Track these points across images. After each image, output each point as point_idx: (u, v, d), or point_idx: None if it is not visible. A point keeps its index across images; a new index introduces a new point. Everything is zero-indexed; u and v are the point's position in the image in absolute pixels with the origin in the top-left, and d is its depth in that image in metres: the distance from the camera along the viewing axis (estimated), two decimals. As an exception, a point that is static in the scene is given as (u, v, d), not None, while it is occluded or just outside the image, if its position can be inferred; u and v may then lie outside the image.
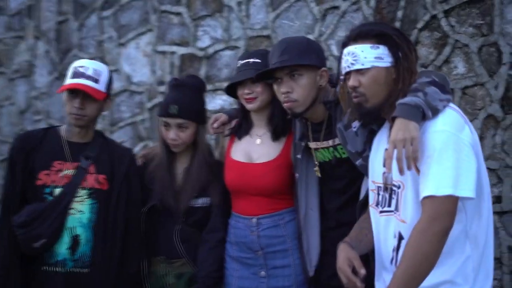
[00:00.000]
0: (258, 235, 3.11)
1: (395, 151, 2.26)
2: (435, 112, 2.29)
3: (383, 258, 2.51)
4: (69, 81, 3.12)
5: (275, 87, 2.90)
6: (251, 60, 3.07)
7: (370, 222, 2.57)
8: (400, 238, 2.38)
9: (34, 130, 3.43)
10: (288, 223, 3.12)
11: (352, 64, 2.42)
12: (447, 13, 3.75)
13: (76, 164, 3.11)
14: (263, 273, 3.12)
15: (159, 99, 5.32)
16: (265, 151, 3.15)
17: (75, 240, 3.06)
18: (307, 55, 2.84)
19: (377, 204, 2.54)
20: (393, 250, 2.42)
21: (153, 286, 3.25)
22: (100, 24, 5.78)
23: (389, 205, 2.45)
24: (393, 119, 2.32)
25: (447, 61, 3.73)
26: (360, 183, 2.83)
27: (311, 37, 4.36)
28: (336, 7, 4.26)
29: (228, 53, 4.88)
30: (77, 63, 3.18)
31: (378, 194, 2.53)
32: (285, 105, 2.87)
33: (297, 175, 3.03)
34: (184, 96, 3.20)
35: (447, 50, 3.73)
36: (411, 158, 2.23)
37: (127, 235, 3.13)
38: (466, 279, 2.29)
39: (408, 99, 2.31)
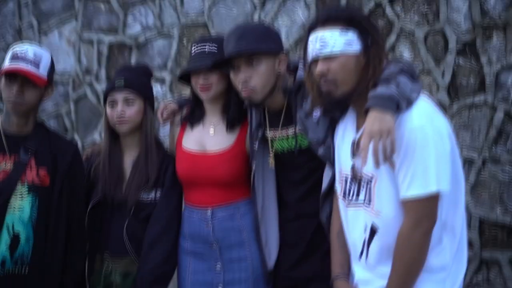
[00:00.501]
0: (213, 227, 2.99)
1: (371, 143, 2.19)
2: (409, 103, 2.24)
3: (352, 250, 2.47)
4: (7, 64, 2.88)
5: (232, 75, 2.77)
6: (207, 48, 2.93)
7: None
8: (373, 230, 2.33)
9: None
10: (245, 215, 3.02)
11: (321, 50, 2.33)
12: (391, 1, 3.74)
13: (14, 158, 2.89)
14: (218, 266, 3.00)
15: (85, 89, 5.09)
16: (219, 141, 3.03)
17: (14, 239, 2.85)
18: (264, 41, 2.74)
19: (344, 195, 2.48)
20: (363, 243, 2.38)
21: (95, 285, 3.06)
22: (19, 10, 5.48)
23: (357, 196, 2.39)
24: (366, 111, 2.25)
25: (392, 49, 3.73)
26: (319, 173, 2.75)
27: (250, 24, 4.28)
28: (276, -6, 4.19)
29: (160, 42, 4.72)
30: (16, 46, 2.95)
31: (345, 185, 2.47)
32: (243, 93, 2.75)
33: (253, 166, 2.92)
34: (130, 72, 3.13)
35: (392, 38, 3.74)
36: (387, 150, 2.17)
37: (70, 235, 2.94)
38: (444, 268, 2.29)
39: (381, 90, 2.25)
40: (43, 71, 2.91)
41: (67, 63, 5.18)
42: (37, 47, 3.01)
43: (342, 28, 2.31)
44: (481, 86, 3.54)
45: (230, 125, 3.02)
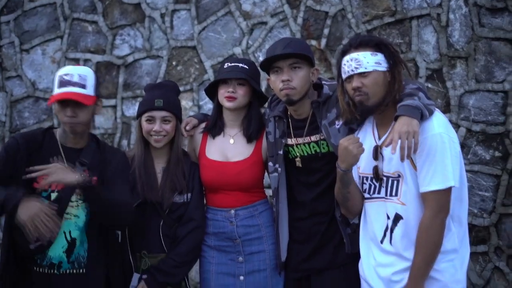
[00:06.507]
0: (236, 224, 3.43)
1: (399, 141, 2.72)
2: (430, 113, 2.80)
3: (372, 238, 2.95)
4: (56, 91, 3.11)
5: (272, 77, 3.22)
6: (240, 65, 3.40)
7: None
8: (397, 218, 2.84)
9: (35, 132, 3.30)
10: (262, 213, 3.48)
11: (356, 68, 2.86)
12: (369, 32, 4.34)
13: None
14: (240, 258, 3.44)
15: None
16: (239, 150, 3.47)
17: (71, 243, 3.12)
18: (307, 52, 3.25)
19: (362, 192, 3.00)
20: (385, 230, 2.88)
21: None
22: (-1, 29, 5.71)
23: (379, 192, 2.91)
24: (395, 118, 2.79)
25: (371, 73, 4.31)
26: (333, 176, 3.17)
27: (238, 49, 4.77)
28: (264, 23, 4.70)
29: (149, 61, 5.10)
30: (61, 71, 3.16)
31: (363, 183, 2.99)
32: (283, 92, 3.18)
33: (279, 169, 3.36)
34: (166, 92, 3.46)
35: (370, 64, 4.31)
36: (412, 148, 2.71)
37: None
38: (454, 251, 2.82)
39: (408, 102, 2.79)
40: (90, 91, 3.13)
41: (50, 81, 5.41)
42: (81, 68, 3.23)
43: (372, 51, 2.86)
44: (447, 107, 4.17)
45: (250, 137, 3.48)
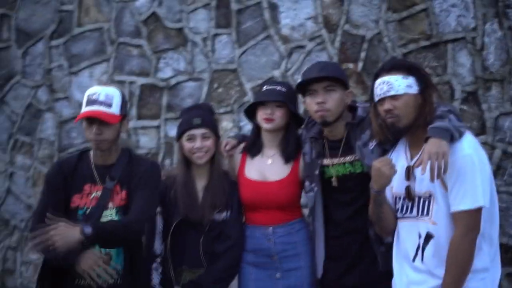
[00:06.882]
0: (274, 242, 3.55)
1: (429, 162, 2.81)
2: (460, 134, 2.89)
3: (404, 256, 3.04)
4: (84, 109, 3.26)
5: (308, 99, 3.36)
6: (278, 88, 3.54)
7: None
8: (428, 237, 2.93)
9: (71, 156, 3.55)
10: (299, 231, 3.59)
11: (388, 91, 2.97)
12: (405, 56, 4.43)
13: (103, 186, 3.29)
14: (278, 275, 3.55)
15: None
16: (277, 170, 3.60)
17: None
18: (341, 75, 3.40)
19: (396, 211, 3.09)
20: (417, 249, 2.96)
21: None
22: (48, 52, 5.95)
23: (411, 212, 3.00)
24: (426, 139, 2.88)
25: (407, 96, 4.40)
26: (366, 195, 3.28)
27: (277, 72, 4.93)
28: (302, 46, 4.84)
29: (191, 84, 5.28)
30: (90, 91, 3.30)
31: (396, 203, 3.08)
32: (318, 113, 3.32)
33: (315, 188, 3.47)
34: (203, 112, 3.65)
35: (406, 87, 4.41)
36: (442, 168, 2.80)
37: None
38: (485, 270, 2.89)
39: (439, 124, 2.88)
40: (115, 110, 3.26)
41: (97, 102, 5.64)
42: (109, 88, 3.33)
43: (404, 75, 2.96)
44: (483, 129, 4.23)
45: (288, 158, 3.60)
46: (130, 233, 3.23)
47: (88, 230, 3.04)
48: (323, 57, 4.71)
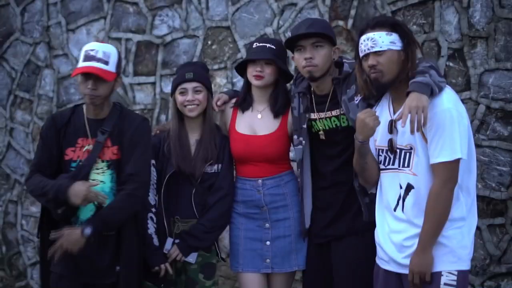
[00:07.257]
0: (264, 193, 3.70)
1: (409, 115, 2.92)
2: (440, 89, 3.01)
3: (386, 206, 3.18)
4: (81, 64, 3.34)
5: (296, 55, 3.47)
6: (268, 45, 3.65)
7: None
8: (408, 187, 3.07)
9: (64, 110, 3.68)
10: (287, 183, 3.74)
11: (372, 47, 3.07)
12: (394, 13, 4.53)
13: (95, 139, 3.39)
14: (267, 225, 3.72)
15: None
16: (266, 125, 3.73)
17: (98, 207, 3.35)
18: (330, 31, 3.51)
19: (378, 163, 3.24)
20: (398, 199, 3.11)
21: None
22: (46, 10, 6.03)
23: (393, 164, 3.14)
24: (407, 93, 3.01)
25: (395, 53, 4.51)
26: (352, 148, 3.40)
27: (270, 29, 5.02)
28: (294, 4, 4.93)
29: (186, 41, 5.38)
30: (87, 46, 3.39)
31: (379, 155, 3.23)
32: (306, 69, 3.42)
33: (303, 142, 3.61)
34: (196, 67, 3.79)
35: (394, 44, 4.52)
36: (421, 121, 2.92)
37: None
38: (462, 219, 3.03)
39: (420, 79, 3.00)
40: (112, 67, 3.35)
41: (94, 58, 5.75)
42: (106, 45, 3.43)
43: (387, 31, 3.06)
44: (467, 85, 4.36)
45: (277, 113, 3.73)
46: (135, 203, 3.40)
47: (88, 231, 3.23)
48: (314, 15, 4.80)
